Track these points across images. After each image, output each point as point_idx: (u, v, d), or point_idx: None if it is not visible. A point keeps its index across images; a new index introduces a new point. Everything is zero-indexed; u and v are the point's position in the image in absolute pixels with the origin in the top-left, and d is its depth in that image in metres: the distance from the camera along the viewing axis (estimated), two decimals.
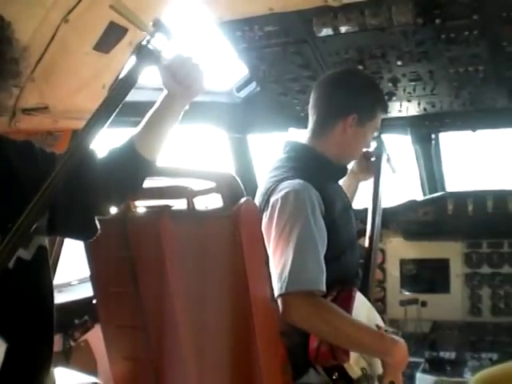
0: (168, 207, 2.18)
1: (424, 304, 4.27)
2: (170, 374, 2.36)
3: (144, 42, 1.75)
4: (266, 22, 2.89)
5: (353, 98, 2.59)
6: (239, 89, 3.74)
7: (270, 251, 2.29)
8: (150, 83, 3.05)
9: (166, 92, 1.89)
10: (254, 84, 3.66)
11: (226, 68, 3.84)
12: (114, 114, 1.67)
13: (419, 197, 4.60)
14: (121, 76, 1.80)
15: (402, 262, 4.55)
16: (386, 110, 2.76)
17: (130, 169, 1.90)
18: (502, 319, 4.30)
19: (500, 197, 4.19)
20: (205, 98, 3.63)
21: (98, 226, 1.91)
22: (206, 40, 3.59)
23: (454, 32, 2.80)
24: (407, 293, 4.50)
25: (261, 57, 3.20)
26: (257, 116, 3.83)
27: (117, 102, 1.69)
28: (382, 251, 4.57)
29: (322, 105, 2.62)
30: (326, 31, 2.84)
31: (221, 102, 3.71)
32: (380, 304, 4.54)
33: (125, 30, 2.39)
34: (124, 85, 1.73)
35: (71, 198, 1.78)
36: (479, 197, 4.23)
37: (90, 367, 3.09)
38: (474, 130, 4.00)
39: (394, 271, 4.56)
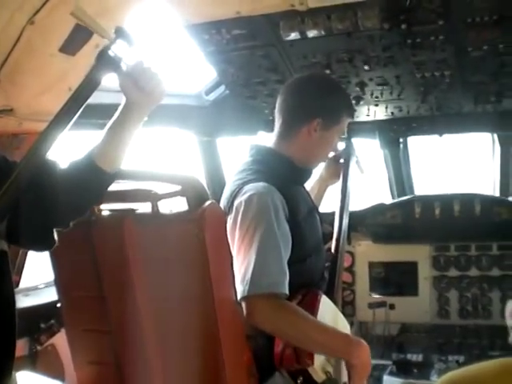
0: (132, 211, 2.16)
1: (392, 307, 4.31)
2: (135, 378, 2.34)
3: (105, 48, 1.74)
4: (233, 26, 2.89)
5: (317, 102, 2.59)
6: (208, 92, 3.74)
7: (233, 254, 2.29)
8: (116, 85, 3.04)
9: (124, 101, 1.88)
10: (222, 87, 3.66)
11: (194, 71, 3.83)
12: (75, 117, 1.66)
13: (388, 200, 4.63)
14: (82, 80, 1.79)
15: (371, 265, 4.58)
16: (351, 113, 2.76)
17: (90, 183, 1.89)
18: (470, 322, 4.35)
19: (467, 200, 4.25)
20: (173, 100, 3.62)
21: (56, 239, 1.89)
22: (175, 42, 3.59)
23: (420, 37, 2.82)
24: (376, 295, 4.53)
25: (229, 60, 3.19)
26: (226, 119, 3.83)
27: (78, 105, 1.68)
28: (351, 254, 4.60)
29: (287, 109, 2.63)
30: (294, 35, 2.85)
31: (189, 105, 3.70)
32: (349, 307, 4.58)
33: (91, 33, 2.37)
34: (84, 89, 1.72)
35: (31, 209, 1.76)
36: (446, 200, 4.28)
37: (56, 371, 3.05)
38: (440, 134, 4.04)
39: (362, 274, 4.60)
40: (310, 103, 2.59)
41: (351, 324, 4.41)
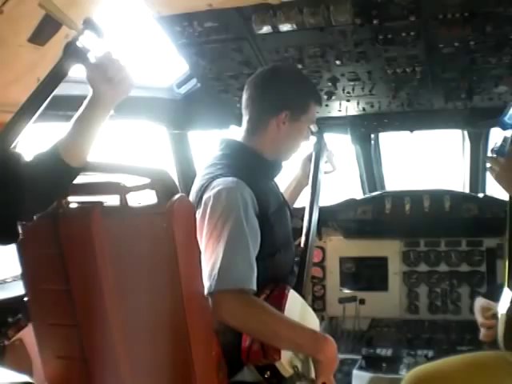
0: (100, 203, 2.13)
1: (362, 301, 4.35)
2: (103, 373, 2.31)
3: (73, 39, 1.72)
4: (205, 18, 2.87)
5: (283, 94, 2.60)
6: (179, 85, 3.71)
7: (202, 249, 2.27)
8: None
9: (91, 93, 1.86)
10: (194, 80, 3.63)
11: (166, 63, 3.80)
12: (41, 109, 1.64)
13: (359, 196, 4.65)
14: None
15: (342, 260, 4.61)
16: (319, 100, 2.77)
17: (55, 176, 1.88)
18: (439, 317, 4.41)
19: (436, 196, 4.28)
20: (144, 93, 3.59)
21: (20, 232, 1.87)
22: (147, 34, 3.56)
23: (391, 33, 2.83)
24: (346, 290, 4.56)
25: (201, 53, 3.17)
26: (197, 112, 3.81)
27: (44, 96, 1.66)
28: (322, 249, 4.62)
29: (254, 104, 2.63)
30: (266, 29, 2.83)
31: (161, 98, 3.67)
32: (320, 302, 4.60)
33: (60, 23, 2.34)
34: (51, 80, 1.70)
35: None
36: (416, 196, 4.32)
37: (24, 366, 3.00)
38: (411, 130, 4.06)
39: (333, 269, 4.62)
40: (275, 96, 2.59)
41: (321, 319, 4.44)
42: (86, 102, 1.87)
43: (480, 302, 2.87)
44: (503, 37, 2.79)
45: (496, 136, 2.42)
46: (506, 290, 2.61)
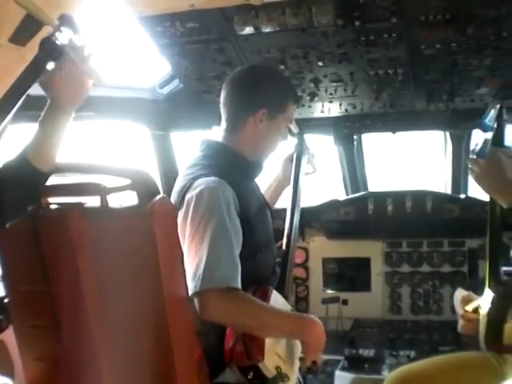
0: (80, 204, 2.11)
1: (345, 302, 4.37)
2: (84, 374, 2.29)
3: (48, 36, 1.71)
4: (187, 19, 2.85)
5: (260, 92, 2.61)
6: (162, 85, 3.69)
7: (184, 249, 2.27)
8: None
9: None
10: (176, 81, 3.62)
11: (149, 64, 3.79)
12: (15, 108, 1.63)
13: (342, 196, 4.66)
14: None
15: (325, 261, 4.63)
16: (297, 100, 2.80)
17: (25, 182, 1.87)
18: (421, 317, 4.43)
19: (418, 197, 4.30)
20: (127, 93, 3.58)
21: None
22: (129, 34, 3.53)
23: (373, 34, 2.83)
24: (330, 291, 4.58)
25: (183, 53, 3.15)
26: (180, 113, 3.79)
27: (18, 94, 1.65)
28: (305, 250, 4.64)
29: (231, 102, 2.64)
30: (248, 30, 2.82)
31: (143, 99, 3.65)
32: (303, 302, 4.61)
33: (41, 24, 2.32)
34: (26, 78, 1.69)
35: None
36: (398, 197, 4.34)
37: (6, 368, 2.98)
38: (393, 131, 4.07)
39: (316, 270, 4.64)
40: (252, 94, 2.60)
41: None
42: (47, 106, 1.87)
43: (461, 292, 2.88)
44: (485, 38, 2.80)
45: (477, 138, 2.43)
46: (486, 290, 2.62)
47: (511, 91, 2.44)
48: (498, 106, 2.38)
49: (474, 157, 2.38)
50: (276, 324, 2.38)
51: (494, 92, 3.25)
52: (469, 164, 2.35)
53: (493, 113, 2.37)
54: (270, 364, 2.34)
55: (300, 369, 2.73)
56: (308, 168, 3.15)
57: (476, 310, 2.70)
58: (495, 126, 2.37)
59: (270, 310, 2.38)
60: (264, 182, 3.13)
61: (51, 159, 1.91)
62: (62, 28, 1.77)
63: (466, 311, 2.76)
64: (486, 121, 2.35)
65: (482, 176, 2.30)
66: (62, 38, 1.74)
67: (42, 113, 1.87)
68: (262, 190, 2.97)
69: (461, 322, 2.81)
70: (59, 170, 2.11)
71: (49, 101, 1.86)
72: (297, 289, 4.65)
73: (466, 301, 2.81)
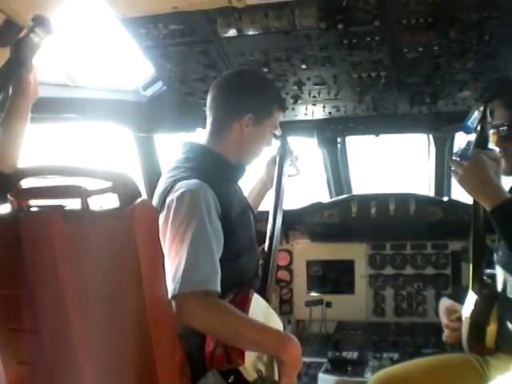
0: (61, 207, 2.10)
1: (329, 305, 4.36)
2: (65, 378, 2.28)
3: (22, 37, 1.71)
4: (170, 21, 2.85)
5: (247, 97, 2.60)
6: (145, 87, 3.67)
7: (165, 252, 2.26)
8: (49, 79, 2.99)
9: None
10: (160, 83, 3.60)
11: (132, 66, 3.77)
12: None
13: (326, 199, 4.67)
14: None
15: (309, 264, 4.63)
16: (283, 107, 2.78)
17: None
18: (404, 319, 4.45)
19: (402, 200, 4.32)
20: (110, 95, 3.55)
21: None
22: (113, 36, 3.52)
23: (356, 37, 2.84)
24: (313, 294, 4.58)
25: (166, 55, 3.14)
26: (163, 115, 3.78)
27: None
28: (289, 252, 4.64)
29: (217, 106, 2.63)
30: (231, 32, 2.82)
31: (126, 101, 3.63)
32: (287, 305, 4.61)
33: (21, 27, 2.31)
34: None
35: None
36: (382, 200, 4.35)
37: None
38: (377, 134, 4.08)
39: (300, 272, 4.64)
40: (239, 99, 2.59)
41: (288, 322, 4.46)
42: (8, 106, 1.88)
43: (445, 302, 2.90)
44: (467, 42, 2.82)
45: (461, 140, 2.44)
46: (470, 293, 2.63)
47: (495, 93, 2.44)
48: (482, 108, 2.39)
49: (458, 159, 2.39)
50: (251, 336, 2.33)
51: (476, 95, 3.26)
52: (452, 166, 2.36)
53: (476, 115, 2.38)
54: (251, 367, 2.32)
55: None
56: (291, 170, 3.15)
57: (460, 319, 2.72)
58: (478, 128, 2.38)
59: (246, 320, 2.34)
60: (247, 184, 3.13)
61: (11, 161, 1.90)
62: (36, 29, 1.76)
63: (451, 320, 2.77)
64: (469, 123, 2.37)
65: (466, 178, 2.31)
66: (37, 39, 1.73)
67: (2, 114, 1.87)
68: (246, 193, 2.96)
69: (446, 332, 2.81)
70: (38, 172, 2.10)
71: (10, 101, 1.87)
72: (281, 291, 4.65)
73: (450, 311, 2.82)
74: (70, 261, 2.10)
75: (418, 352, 3.84)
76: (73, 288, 2.13)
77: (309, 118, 3.78)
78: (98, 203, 2.10)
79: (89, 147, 4.30)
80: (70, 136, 3.93)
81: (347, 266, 4.57)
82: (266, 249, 2.78)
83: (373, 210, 4.35)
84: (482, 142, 2.41)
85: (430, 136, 4.54)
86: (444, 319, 2.84)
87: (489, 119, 2.41)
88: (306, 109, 3.65)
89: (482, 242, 2.56)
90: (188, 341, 2.30)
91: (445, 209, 4.25)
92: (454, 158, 2.41)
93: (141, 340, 2.08)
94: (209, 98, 2.66)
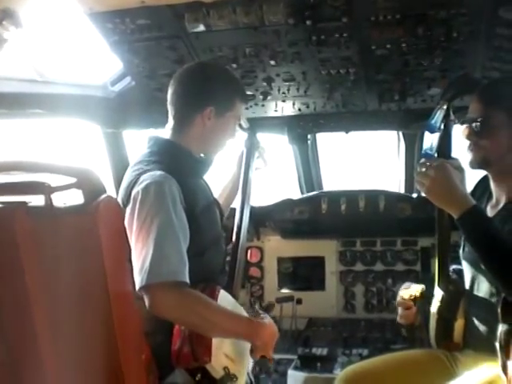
0: (24, 203, 2.07)
1: (299, 301, 4.38)
2: (29, 377, 2.24)
3: None
4: (138, 15, 2.81)
5: (207, 90, 2.60)
6: (113, 83, 3.63)
7: (132, 245, 2.24)
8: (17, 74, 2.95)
9: None
10: (128, 78, 3.56)
11: (100, 61, 3.73)
12: None
13: (296, 196, 4.67)
14: None
15: (280, 260, 4.64)
16: (245, 99, 2.81)
17: None
18: (374, 315, 4.48)
19: (371, 197, 4.34)
20: (77, 91, 3.51)
21: None
22: (81, 30, 3.47)
23: (324, 34, 2.83)
24: (284, 290, 4.59)
25: (134, 50, 3.11)
26: (132, 111, 3.74)
27: None
28: (260, 249, 4.65)
29: (178, 100, 2.62)
30: (199, 27, 2.79)
31: (94, 96, 3.58)
32: (258, 302, 4.59)
33: None
34: None
35: None
36: (352, 196, 4.36)
37: None
38: (346, 131, 4.08)
39: (271, 269, 4.65)
40: (200, 91, 2.59)
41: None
42: None
43: (405, 285, 2.93)
44: (435, 39, 2.82)
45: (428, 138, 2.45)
46: (436, 289, 2.65)
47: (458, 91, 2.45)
48: (445, 106, 2.40)
49: (423, 159, 2.41)
50: (223, 325, 2.36)
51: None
52: (417, 177, 2.37)
53: (439, 113, 2.39)
54: (217, 365, 2.33)
55: (253, 369, 2.74)
56: (259, 163, 3.14)
57: (413, 298, 2.75)
58: (442, 126, 2.40)
59: (218, 309, 2.37)
60: (219, 182, 3.12)
61: None
62: (3, 22, 1.72)
63: (403, 298, 2.79)
64: (433, 122, 2.37)
65: (432, 189, 2.32)
66: (4, 32, 1.70)
67: None
68: (218, 191, 2.96)
69: (399, 311, 2.84)
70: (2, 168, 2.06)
71: None
72: (251, 288, 4.65)
73: (404, 289, 2.85)
74: (34, 258, 2.06)
75: (387, 348, 3.88)
76: (37, 286, 2.09)
77: (279, 114, 3.77)
78: (62, 199, 2.08)
79: (57, 143, 4.25)
80: (38, 132, 3.89)
81: (318, 263, 4.59)
82: (232, 244, 2.77)
83: (343, 207, 4.37)
84: (445, 151, 2.43)
85: (400, 133, 4.57)
86: (398, 298, 2.86)
87: (452, 117, 2.42)
88: (276, 105, 3.64)
89: (447, 238, 2.58)
90: (154, 338, 2.29)
91: (414, 205, 4.28)
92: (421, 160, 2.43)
93: (106, 338, 2.06)
94: (169, 92, 2.66)
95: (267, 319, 2.61)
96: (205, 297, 2.33)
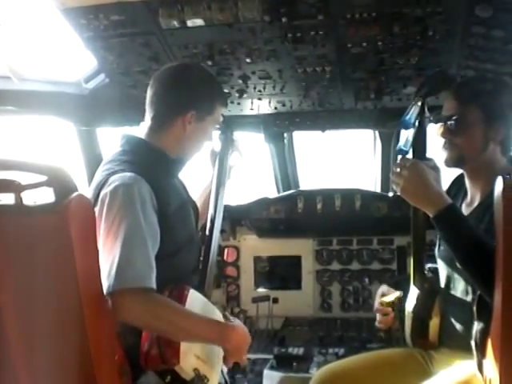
0: None
1: (276, 301, 4.38)
2: (1, 380, 2.21)
3: None
4: (111, 11, 2.76)
5: (190, 94, 2.57)
6: (87, 80, 3.57)
7: (100, 248, 2.20)
8: None
9: None
10: (102, 75, 3.52)
11: (75, 57, 3.68)
12: None
13: (272, 195, 4.66)
14: None
15: (256, 260, 4.62)
16: (225, 102, 2.78)
17: None
18: (351, 314, 4.49)
19: (347, 195, 4.34)
20: (50, 88, 3.46)
21: None
22: (56, 26, 3.42)
23: (300, 31, 2.81)
24: (261, 290, 4.58)
25: (108, 47, 3.06)
26: (106, 109, 3.69)
27: None
28: (237, 248, 4.63)
29: (160, 101, 2.58)
30: (173, 24, 2.75)
31: (67, 93, 3.53)
32: (234, 301, 4.59)
33: None
34: None
35: None
36: (328, 195, 4.36)
37: None
38: (323, 130, 4.07)
39: (247, 268, 4.64)
40: (182, 96, 2.56)
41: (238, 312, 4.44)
42: None
43: (383, 289, 2.93)
44: (411, 37, 2.81)
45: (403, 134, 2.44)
46: (412, 287, 2.65)
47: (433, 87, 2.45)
48: (420, 102, 2.40)
49: (398, 159, 2.41)
50: (191, 329, 2.34)
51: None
52: (392, 178, 2.37)
53: (414, 110, 2.39)
54: (187, 366, 2.31)
55: (229, 369, 2.72)
56: (234, 159, 3.12)
57: (391, 304, 2.75)
58: (417, 123, 2.39)
59: (185, 313, 2.34)
60: (198, 186, 3.10)
61: None
62: None
63: (382, 304, 2.80)
64: (407, 118, 2.37)
65: (407, 188, 2.32)
66: None
67: None
68: (197, 195, 2.96)
69: (377, 317, 2.85)
70: None
71: None
72: (228, 287, 4.63)
73: (383, 295, 2.85)
74: (4, 258, 2.04)
75: (363, 347, 3.88)
76: (6, 285, 2.06)
77: (255, 112, 3.75)
78: (33, 198, 2.04)
79: (30, 141, 4.19)
80: (11, 130, 3.83)
81: (294, 262, 4.58)
82: (205, 243, 2.75)
83: (319, 206, 4.36)
84: (419, 137, 2.42)
85: (376, 132, 4.57)
86: (376, 304, 2.87)
87: (427, 114, 2.42)
88: (252, 103, 3.61)
89: (422, 237, 2.58)
90: (126, 339, 2.27)
91: (390, 204, 4.28)
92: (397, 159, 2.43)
93: (78, 339, 2.03)
94: (150, 92, 2.62)
95: (237, 322, 2.59)
96: (172, 302, 2.30)
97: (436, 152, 2.54)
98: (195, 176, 3.12)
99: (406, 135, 2.37)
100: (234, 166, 3.12)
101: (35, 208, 2.00)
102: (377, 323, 2.88)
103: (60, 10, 2.81)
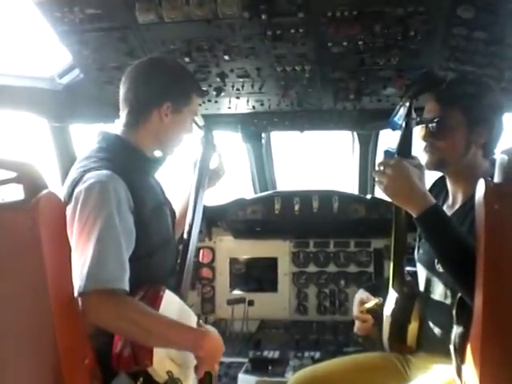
0: None
1: (251, 303, 4.34)
2: None
3: None
4: (87, 4, 2.70)
5: (163, 86, 2.52)
6: (61, 75, 3.51)
7: (72, 247, 2.14)
8: None
9: None
10: (77, 70, 3.45)
11: (49, 52, 3.60)
12: None
13: (249, 195, 4.61)
14: None
15: (232, 261, 4.59)
16: (201, 92, 2.74)
17: None
18: (327, 317, 4.47)
19: (325, 197, 4.31)
20: (23, 82, 3.38)
21: None
22: (30, 20, 3.35)
23: (280, 29, 2.76)
24: (236, 292, 4.55)
25: (83, 41, 2.99)
26: (80, 105, 3.62)
27: None
28: (212, 250, 4.59)
29: (134, 97, 2.52)
30: (150, 19, 2.70)
31: (40, 88, 3.46)
32: (209, 304, 4.54)
33: None
34: None
35: None
36: (305, 197, 4.33)
37: None
38: (301, 130, 4.04)
39: (223, 270, 4.60)
40: (156, 88, 2.51)
41: (205, 321, 4.37)
42: None
43: (361, 294, 2.91)
44: (392, 37, 2.79)
45: (385, 139, 2.42)
46: (390, 291, 2.62)
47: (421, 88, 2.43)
48: (408, 103, 2.36)
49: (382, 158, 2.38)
50: (163, 335, 2.28)
51: (400, 92, 3.25)
52: (375, 177, 2.33)
53: (402, 111, 2.36)
54: (160, 369, 2.25)
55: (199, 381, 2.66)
56: (214, 162, 3.07)
57: (370, 311, 2.73)
58: (404, 124, 2.36)
59: (157, 318, 2.28)
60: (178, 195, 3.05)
61: None
62: None
63: (361, 312, 2.77)
64: (395, 119, 2.34)
65: (390, 187, 2.28)
66: None
67: None
68: (179, 204, 2.93)
69: (356, 324, 2.83)
70: None
71: None
72: (203, 289, 4.59)
73: (362, 303, 2.82)
74: None
75: (339, 351, 3.84)
76: None
77: (232, 111, 3.70)
78: (1, 195, 1.97)
79: (1, 137, 4.10)
80: None
81: (270, 264, 4.55)
82: (182, 244, 2.70)
83: (296, 207, 4.33)
84: (405, 138, 2.39)
85: (355, 133, 4.55)
86: (355, 311, 2.84)
87: (413, 115, 2.38)
88: (230, 102, 3.56)
89: (403, 240, 2.56)
90: (97, 340, 2.21)
91: (368, 207, 4.27)
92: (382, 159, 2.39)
93: (47, 342, 1.97)
94: (123, 89, 2.56)
95: (211, 329, 2.54)
96: (144, 305, 2.24)
97: (420, 153, 2.51)
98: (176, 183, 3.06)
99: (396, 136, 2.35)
100: (214, 170, 3.07)
101: (4, 205, 1.94)
102: (356, 330, 2.85)
103: (34, 3, 2.74)
